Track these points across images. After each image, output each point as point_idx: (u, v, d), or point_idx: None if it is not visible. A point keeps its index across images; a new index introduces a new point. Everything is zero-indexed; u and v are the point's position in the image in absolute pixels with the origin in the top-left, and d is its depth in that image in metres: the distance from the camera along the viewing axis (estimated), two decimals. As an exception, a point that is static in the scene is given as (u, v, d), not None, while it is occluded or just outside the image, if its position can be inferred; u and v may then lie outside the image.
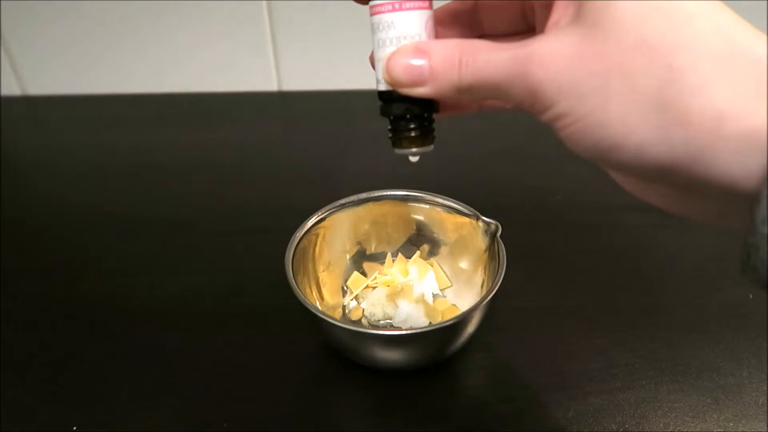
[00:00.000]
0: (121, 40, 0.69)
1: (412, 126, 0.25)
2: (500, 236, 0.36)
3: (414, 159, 0.27)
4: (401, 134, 0.25)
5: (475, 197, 0.40)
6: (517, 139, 0.63)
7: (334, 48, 0.68)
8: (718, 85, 0.17)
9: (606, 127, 0.19)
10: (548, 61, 0.19)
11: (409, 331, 0.32)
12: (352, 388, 0.36)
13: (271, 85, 0.72)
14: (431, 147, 0.26)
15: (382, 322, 0.39)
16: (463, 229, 0.39)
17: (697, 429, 0.33)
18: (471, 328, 0.34)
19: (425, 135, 0.25)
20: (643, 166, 0.19)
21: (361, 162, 0.59)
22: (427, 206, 0.41)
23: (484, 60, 0.21)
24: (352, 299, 0.41)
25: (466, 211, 0.39)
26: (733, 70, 0.17)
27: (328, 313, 0.35)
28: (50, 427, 0.34)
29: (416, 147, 0.25)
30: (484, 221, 0.37)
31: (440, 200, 0.40)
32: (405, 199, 0.41)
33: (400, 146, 0.26)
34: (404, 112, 0.25)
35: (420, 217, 0.41)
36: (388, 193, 0.41)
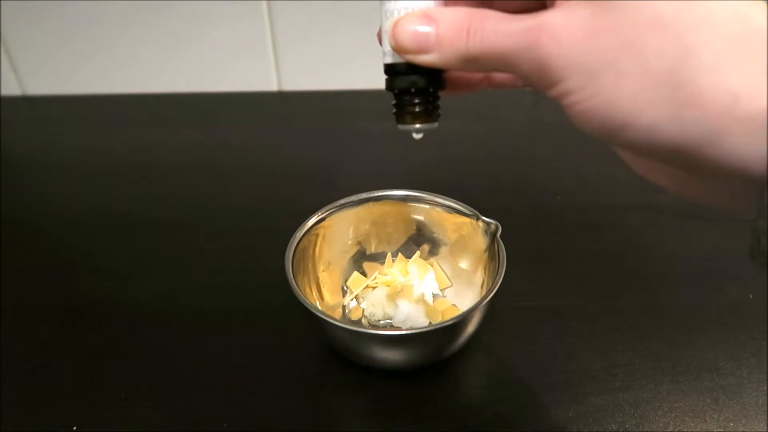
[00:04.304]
0: (120, 40, 0.69)
1: (417, 101, 0.24)
2: (500, 236, 0.36)
3: (417, 136, 0.26)
4: (405, 109, 0.25)
5: (475, 197, 0.40)
6: (517, 140, 0.63)
7: (334, 48, 0.68)
8: (733, 66, 0.17)
9: (616, 106, 0.18)
10: (559, 34, 0.19)
11: (409, 331, 0.32)
12: (352, 388, 0.36)
13: (271, 85, 0.72)
14: (435, 124, 0.25)
15: (382, 322, 0.39)
16: (463, 229, 0.39)
17: (697, 429, 0.33)
18: (471, 328, 0.34)
19: (430, 111, 0.25)
20: (653, 147, 0.19)
21: (361, 162, 0.59)
22: (427, 206, 0.41)
23: (494, 30, 0.20)
24: (352, 299, 0.41)
25: (466, 211, 0.39)
26: (748, 51, 0.17)
27: (328, 313, 0.35)
28: (50, 427, 0.34)
29: (420, 123, 0.25)
30: (484, 221, 0.37)
31: (440, 200, 0.40)
32: (405, 199, 0.41)
33: (404, 121, 0.25)
34: (409, 86, 0.24)
35: (420, 217, 0.41)
36: (388, 193, 0.41)
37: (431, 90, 0.24)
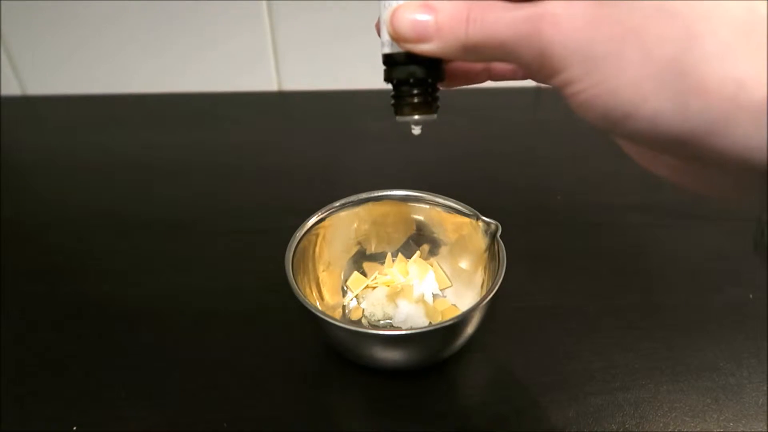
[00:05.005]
0: (120, 40, 0.69)
1: (416, 91, 0.24)
2: (500, 236, 0.36)
3: (416, 129, 0.26)
4: (403, 100, 0.24)
5: (475, 197, 0.40)
6: (517, 139, 0.63)
7: (333, 48, 0.68)
8: (738, 54, 0.17)
9: (619, 95, 0.18)
10: (561, 22, 0.19)
11: (409, 331, 0.32)
12: (352, 388, 0.36)
13: (271, 85, 0.72)
14: (434, 116, 0.25)
15: (382, 322, 0.39)
16: (463, 229, 0.39)
17: (697, 429, 0.33)
18: (471, 328, 0.34)
19: (429, 102, 0.24)
20: (656, 137, 0.19)
21: (361, 162, 0.59)
22: (427, 206, 0.41)
23: (494, 18, 0.20)
24: (352, 299, 0.41)
25: (466, 211, 0.39)
26: (753, 39, 0.17)
27: (328, 313, 0.35)
28: (50, 427, 0.34)
29: (418, 114, 0.24)
30: (484, 221, 0.37)
31: (440, 200, 0.40)
32: (405, 199, 0.41)
33: (402, 113, 0.25)
34: (407, 77, 0.24)
35: (420, 217, 0.41)
36: (388, 193, 0.41)
37: (430, 81, 0.24)
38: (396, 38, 0.22)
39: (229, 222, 0.50)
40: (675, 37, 0.17)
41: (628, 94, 0.18)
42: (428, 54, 0.22)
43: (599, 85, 0.19)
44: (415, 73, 0.23)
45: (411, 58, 0.23)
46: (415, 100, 0.24)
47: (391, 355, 0.33)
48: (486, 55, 0.21)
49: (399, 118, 0.25)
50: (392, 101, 0.25)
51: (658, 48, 0.17)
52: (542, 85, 0.23)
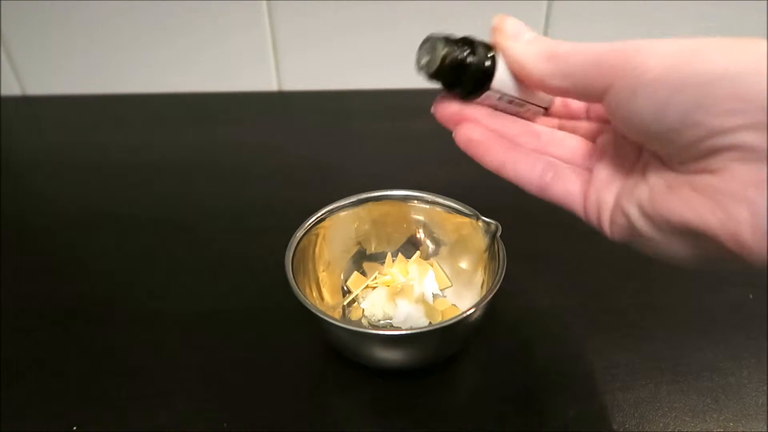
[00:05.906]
0: (121, 39, 0.69)
1: (467, 51, 0.24)
2: (500, 236, 0.36)
3: (422, 62, 0.24)
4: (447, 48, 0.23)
5: (475, 197, 0.40)
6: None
7: (334, 48, 0.68)
8: None
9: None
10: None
11: (409, 331, 0.32)
12: (352, 388, 0.36)
13: (271, 85, 0.72)
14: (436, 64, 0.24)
15: (382, 322, 0.39)
16: (463, 229, 0.39)
17: (697, 429, 0.33)
18: (471, 328, 0.34)
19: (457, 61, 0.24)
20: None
21: (361, 162, 0.59)
22: (427, 206, 0.41)
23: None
24: (352, 299, 0.41)
25: (466, 211, 0.39)
26: None
27: (328, 313, 0.35)
28: (50, 427, 0.34)
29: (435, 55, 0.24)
30: (484, 221, 0.37)
31: (440, 200, 0.40)
32: (405, 199, 0.41)
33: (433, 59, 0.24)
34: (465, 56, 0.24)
35: (420, 217, 0.41)
36: (388, 193, 0.41)
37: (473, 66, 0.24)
38: (497, 26, 0.24)
39: (229, 222, 0.50)
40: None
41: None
42: (511, 52, 0.24)
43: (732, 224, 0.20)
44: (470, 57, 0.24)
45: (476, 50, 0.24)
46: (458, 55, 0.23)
47: (391, 355, 0.33)
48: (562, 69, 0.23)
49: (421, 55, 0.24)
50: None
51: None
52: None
